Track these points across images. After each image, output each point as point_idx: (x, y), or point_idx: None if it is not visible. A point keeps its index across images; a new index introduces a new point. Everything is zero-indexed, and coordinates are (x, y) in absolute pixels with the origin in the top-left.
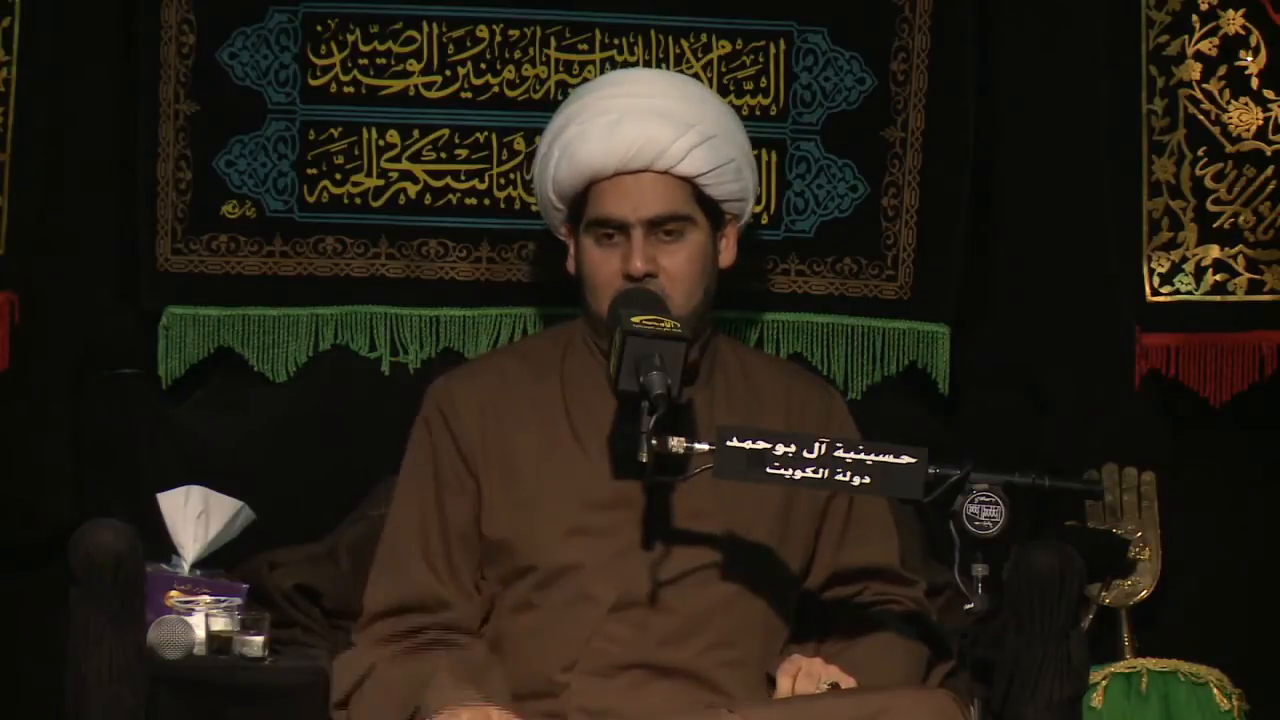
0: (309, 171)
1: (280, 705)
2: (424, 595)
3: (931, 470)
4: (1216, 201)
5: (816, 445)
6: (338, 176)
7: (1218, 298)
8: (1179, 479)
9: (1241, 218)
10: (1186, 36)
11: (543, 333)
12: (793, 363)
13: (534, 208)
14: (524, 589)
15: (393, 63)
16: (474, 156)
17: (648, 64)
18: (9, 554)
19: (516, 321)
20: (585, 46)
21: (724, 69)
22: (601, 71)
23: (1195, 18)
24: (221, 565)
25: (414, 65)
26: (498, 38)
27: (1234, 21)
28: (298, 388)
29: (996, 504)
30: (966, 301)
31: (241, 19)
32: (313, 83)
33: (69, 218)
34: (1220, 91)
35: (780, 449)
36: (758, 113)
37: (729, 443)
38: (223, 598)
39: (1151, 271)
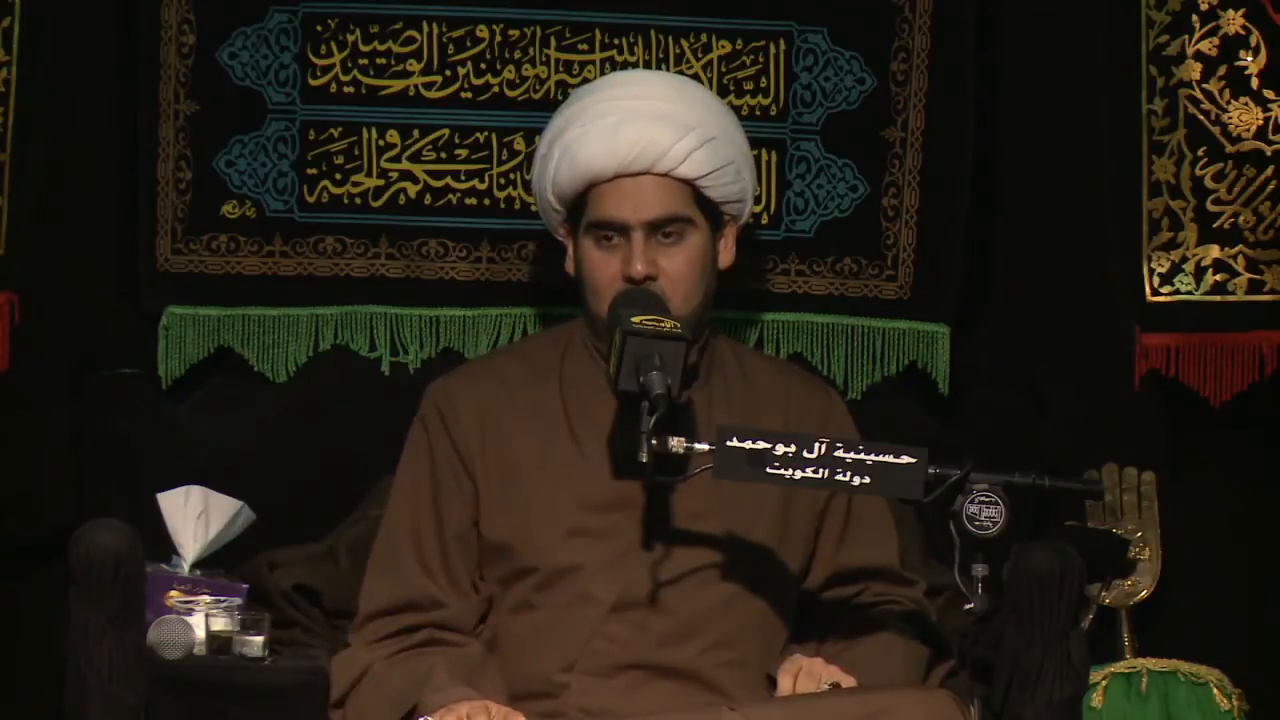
0: (309, 171)
1: (280, 705)
2: (418, 595)
3: (931, 470)
4: (1216, 201)
5: (816, 445)
6: (338, 176)
7: (1218, 298)
8: (1179, 479)
9: (1241, 218)
10: (1186, 36)
11: (542, 333)
12: (792, 363)
13: (534, 208)
14: (524, 590)
15: (393, 63)
16: (474, 156)
17: (648, 64)
18: (9, 554)
19: (516, 321)
20: (585, 46)
21: (724, 69)
22: (602, 71)
23: (1195, 18)
24: (221, 565)
25: (414, 65)
26: (498, 38)
27: (1234, 21)
28: (298, 388)
29: (996, 504)
30: (966, 301)
31: (241, 19)
32: (313, 83)
33: (69, 218)
34: (1220, 91)
35: (780, 449)
36: (758, 113)
37: (729, 443)
38: (223, 598)
39: (1151, 271)
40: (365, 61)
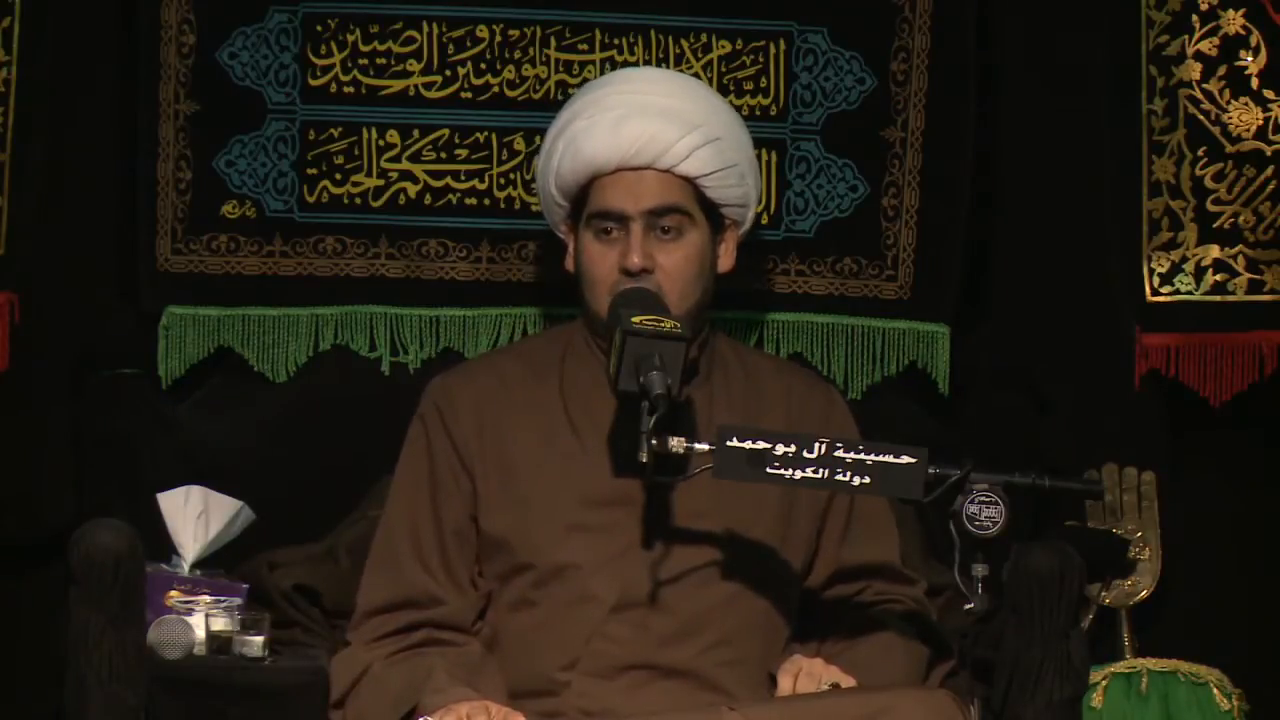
0: (309, 171)
1: (280, 705)
2: (417, 592)
3: (931, 470)
4: (1216, 201)
5: (816, 445)
6: (338, 176)
7: (1218, 298)
8: (1179, 479)
9: (1241, 218)
10: (1186, 36)
11: (542, 333)
12: (793, 362)
13: (534, 207)
14: (522, 587)
15: (393, 63)
16: (474, 156)
17: (648, 64)
18: (9, 554)
19: (516, 321)
20: (585, 46)
21: (724, 69)
22: (601, 71)
23: (1195, 18)
24: (221, 565)
25: (414, 65)
26: (498, 38)
27: (1234, 21)
28: (298, 388)
29: (996, 504)
30: (966, 301)
31: (241, 19)
32: (313, 83)
33: (69, 218)
34: (1220, 91)
35: (780, 449)
36: (758, 113)
37: (729, 442)
38: (223, 598)
39: (1151, 271)
40: (365, 61)
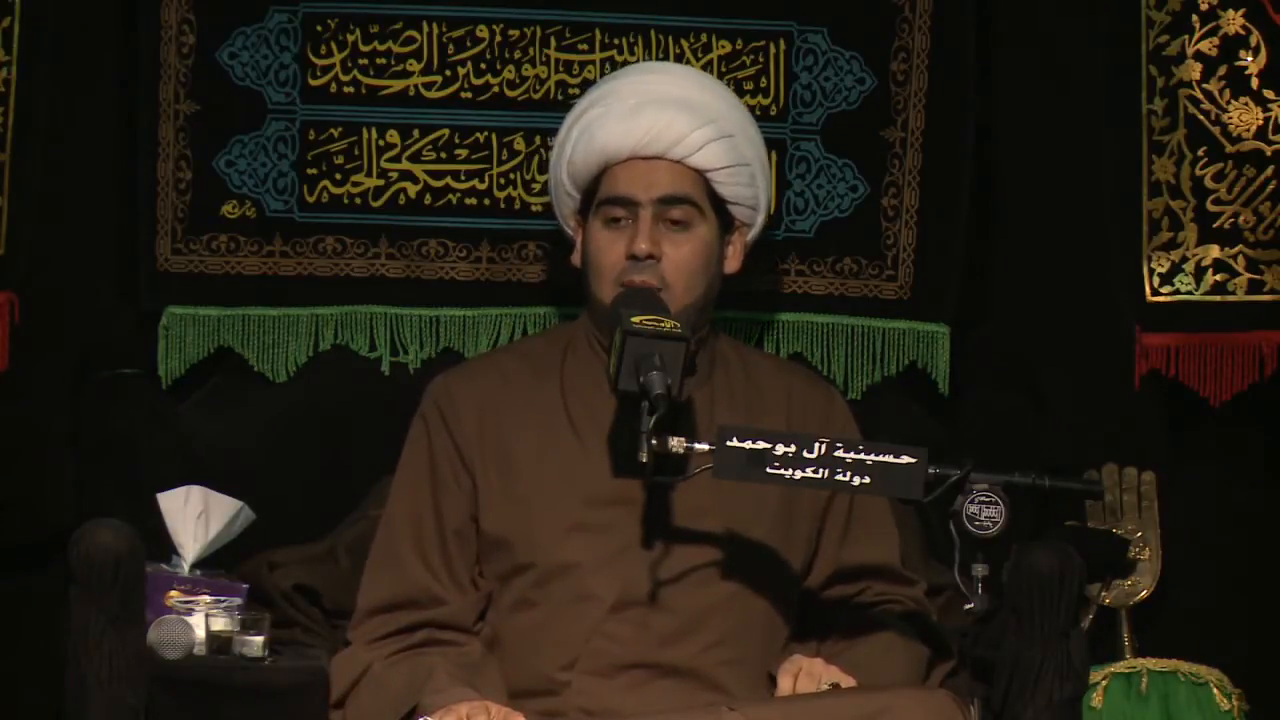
0: (309, 171)
1: (280, 705)
2: (418, 591)
3: (931, 470)
4: (1216, 201)
5: (816, 445)
6: (338, 176)
7: (1218, 298)
8: (1179, 479)
9: (1241, 218)
10: (1186, 36)
11: (543, 333)
12: (793, 362)
13: (534, 208)
14: (523, 586)
15: (393, 63)
16: (474, 156)
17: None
18: (9, 554)
19: (516, 321)
20: (585, 46)
21: (724, 69)
22: (602, 71)
23: (1195, 18)
24: (221, 565)
25: (414, 65)
26: (498, 38)
27: (1234, 21)
28: (298, 388)
29: (996, 504)
30: (966, 301)
31: (241, 19)
32: (313, 83)
33: (69, 217)
34: (1220, 91)
35: (780, 449)
36: (758, 113)
37: (729, 442)
38: (223, 598)
39: (1151, 271)
40: (365, 61)
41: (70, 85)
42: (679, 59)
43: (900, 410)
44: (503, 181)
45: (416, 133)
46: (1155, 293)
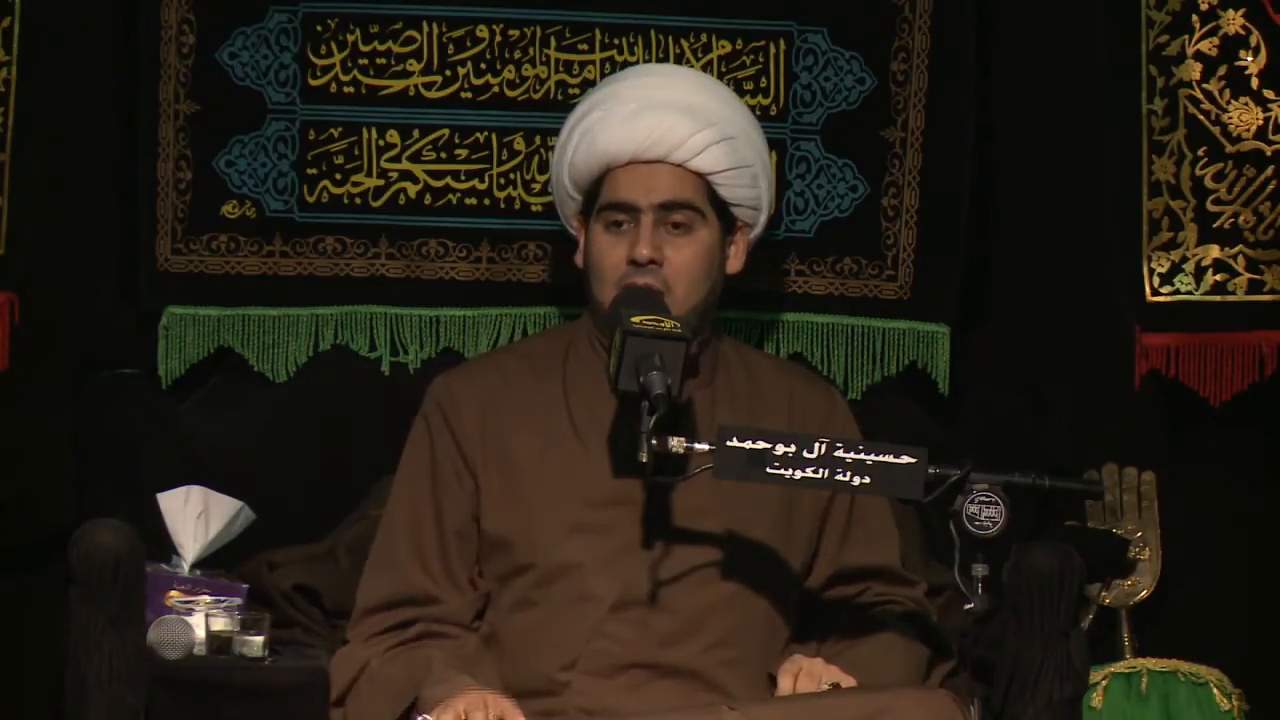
0: (309, 171)
1: (280, 705)
2: (414, 591)
3: (931, 470)
4: (1216, 201)
5: (816, 445)
6: (338, 176)
7: (1218, 298)
8: (1179, 479)
9: (1241, 218)
10: (1186, 36)
11: (545, 332)
12: (795, 362)
13: (535, 208)
14: (523, 586)
15: (393, 63)
16: (474, 156)
17: (648, 63)
18: (9, 554)
19: (516, 321)
20: (585, 46)
21: (724, 69)
22: (602, 71)
23: (1195, 18)
24: (221, 565)
25: (414, 65)
26: (498, 38)
27: (1234, 21)
28: (298, 388)
29: (996, 504)
30: (966, 301)
31: (241, 19)
32: (313, 83)
33: (69, 217)
34: (1220, 91)
35: (780, 449)
36: (758, 113)
37: (729, 442)
38: (223, 598)
39: (1151, 271)
40: (365, 61)
41: (70, 85)
42: (679, 59)
43: (900, 410)
44: (503, 181)
45: (416, 133)
46: (1155, 293)
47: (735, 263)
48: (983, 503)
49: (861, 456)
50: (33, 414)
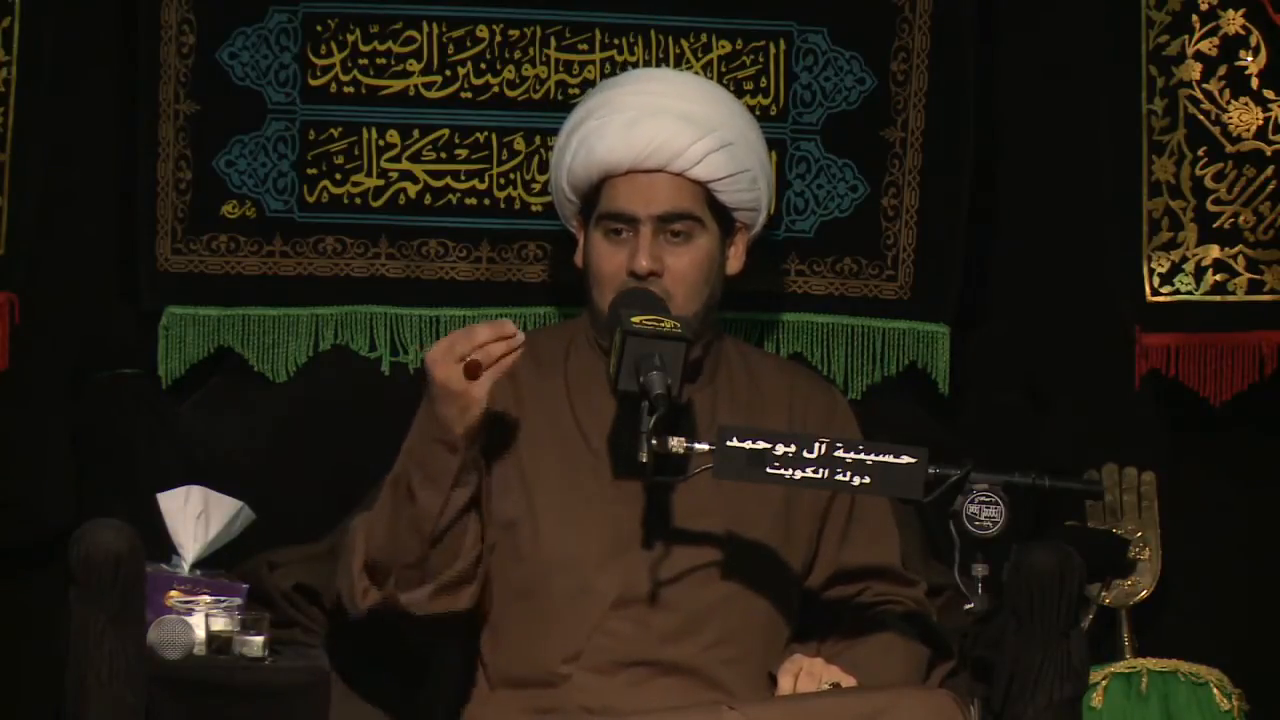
0: (309, 171)
1: (280, 705)
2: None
3: (931, 470)
4: (1216, 201)
5: (816, 445)
6: (338, 176)
7: (1218, 298)
8: (1179, 479)
9: (1241, 218)
10: (1186, 36)
11: (547, 328)
12: (796, 363)
13: (534, 208)
14: (523, 576)
15: (393, 63)
16: (474, 156)
17: (648, 64)
18: (9, 554)
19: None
20: (585, 46)
21: (724, 69)
22: (602, 72)
23: (1195, 18)
24: (221, 565)
25: (414, 65)
26: (498, 38)
27: (1234, 21)
28: (298, 388)
29: (996, 504)
30: (966, 301)
31: (241, 19)
32: (313, 83)
33: (69, 217)
34: (1220, 91)
35: (780, 449)
36: (758, 113)
37: (729, 442)
38: (223, 598)
39: (1151, 271)
40: (365, 61)
41: (70, 85)
42: (679, 59)
43: (900, 410)
44: (503, 181)
45: (416, 133)
46: (1155, 293)
47: (735, 263)
48: (983, 503)
49: (861, 456)
50: (33, 414)
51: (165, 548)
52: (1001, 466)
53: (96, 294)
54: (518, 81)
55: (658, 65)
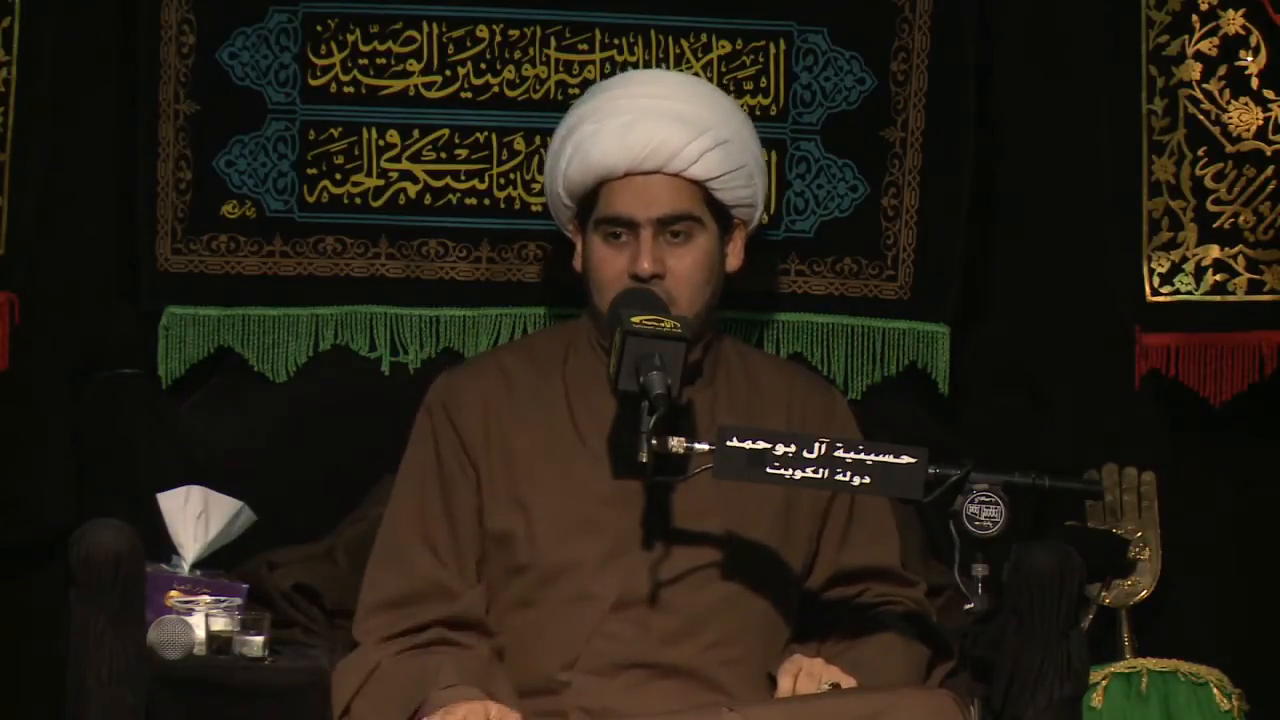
0: (309, 171)
1: (280, 705)
2: (427, 585)
3: (931, 470)
4: (1216, 201)
5: (816, 445)
6: (338, 176)
7: (1218, 298)
8: (1179, 479)
9: (1241, 218)
10: (1186, 36)
11: (547, 330)
12: (795, 363)
13: (534, 208)
14: (523, 586)
15: (393, 63)
16: (474, 156)
17: (648, 64)
18: (9, 554)
19: (516, 321)
20: (585, 46)
21: (724, 69)
22: (602, 71)
23: (1195, 18)
24: (221, 565)
25: (414, 65)
26: (498, 38)
27: (1234, 21)
28: (298, 388)
29: (996, 504)
30: (966, 301)
31: (241, 19)
32: (313, 83)
33: (69, 218)
34: (1220, 91)
35: (780, 449)
36: (758, 113)
37: (729, 442)
38: (223, 598)
39: (1151, 271)
40: (365, 61)
41: (70, 85)
42: (679, 59)
43: (900, 410)
44: (503, 181)
45: (416, 133)
46: (1155, 293)
47: (734, 260)
48: (983, 503)
49: (861, 456)
50: (33, 414)
51: (165, 548)
52: (1001, 466)
53: (96, 294)
54: (518, 81)
55: (658, 65)
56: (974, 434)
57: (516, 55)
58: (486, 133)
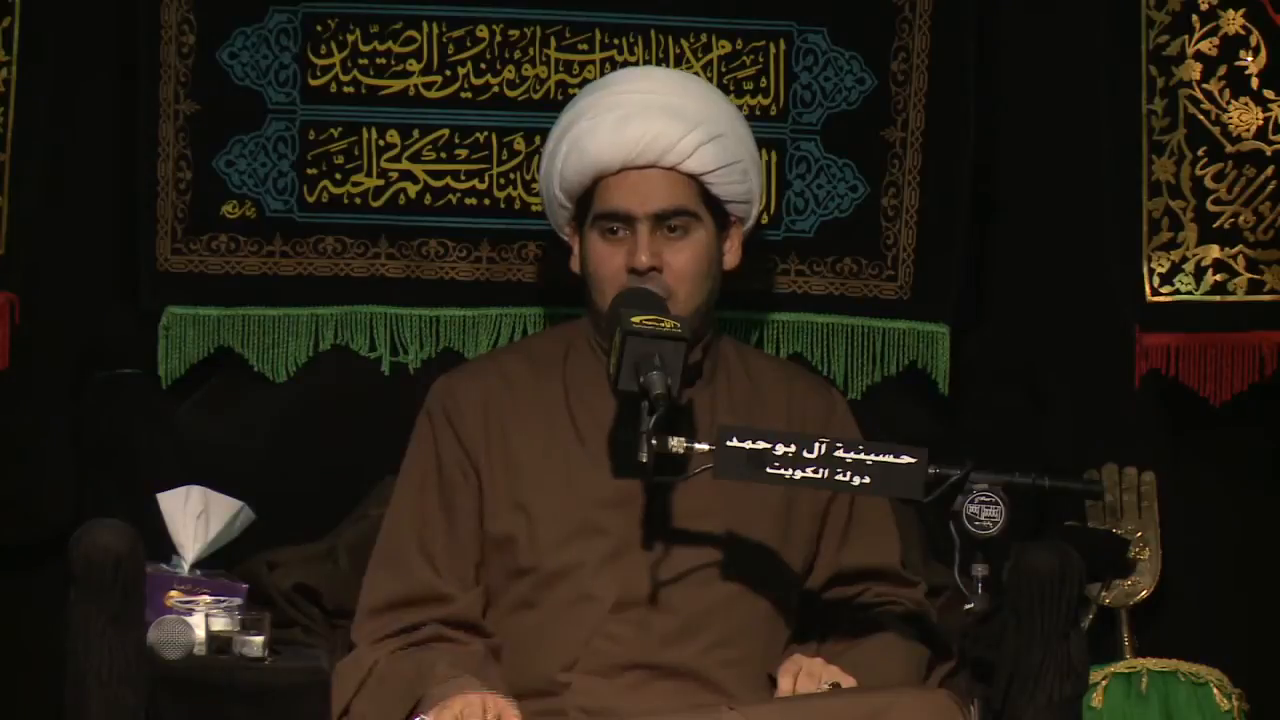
0: (309, 171)
1: (280, 705)
2: (423, 590)
3: (931, 470)
4: (1216, 201)
5: (816, 445)
6: (338, 176)
7: (1218, 298)
8: (1179, 479)
9: (1241, 218)
10: (1186, 36)
11: (546, 331)
12: (795, 363)
13: (534, 208)
14: (524, 588)
15: (393, 63)
16: (474, 156)
17: (648, 64)
18: (9, 554)
19: (516, 321)
20: (585, 46)
21: (724, 69)
22: (602, 71)
23: (1195, 18)
24: (221, 565)
25: (414, 65)
26: (498, 38)
27: (1234, 21)
28: (298, 388)
29: (996, 504)
30: (966, 301)
31: (241, 19)
32: (313, 83)
33: (69, 218)
34: (1220, 91)
35: (780, 449)
36: (758, 113)
37: (729, 442)
38: (223, 598)
39: (1151, 271)
40: (365, 61)
41: (70, 85)
42: (679, 59)
43: (900, 410)
44: (503, 181)
45: (416, 133)
46: (1155, 293)
47: (732, 258)
48: (983, 503)
49: (861, 456)
50: (33, 414)
51: (165, 548)
52: (1001, 466)
53: (96, 294)
54: (518, 81)
55: (658, 65)
56: (974, 434)
57: (516, 55)
58: (486, 133)
